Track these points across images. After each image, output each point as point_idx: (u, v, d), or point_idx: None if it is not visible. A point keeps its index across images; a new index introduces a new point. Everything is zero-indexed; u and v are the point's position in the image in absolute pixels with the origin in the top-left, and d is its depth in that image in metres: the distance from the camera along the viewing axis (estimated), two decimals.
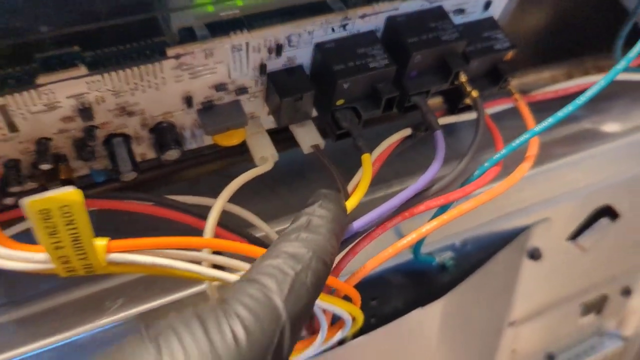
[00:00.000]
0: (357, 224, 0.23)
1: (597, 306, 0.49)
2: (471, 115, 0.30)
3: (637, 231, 0.41)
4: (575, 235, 0.38)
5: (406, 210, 0.24)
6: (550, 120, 0.25)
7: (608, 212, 0.38)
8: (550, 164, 0.32)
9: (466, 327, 0.35)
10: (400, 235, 0.26)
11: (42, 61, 0.21)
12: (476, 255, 0.33)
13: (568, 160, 0.32)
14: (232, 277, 0.20)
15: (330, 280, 0.23)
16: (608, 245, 0.41)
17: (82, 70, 0.21)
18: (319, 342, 0.26)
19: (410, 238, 0.24)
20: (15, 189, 0.23)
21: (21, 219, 0.23)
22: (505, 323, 0.40)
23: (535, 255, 0.36)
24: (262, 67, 0.25)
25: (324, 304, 0.23)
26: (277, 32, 0.24)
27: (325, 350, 0.28)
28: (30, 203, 0.16)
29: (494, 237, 0.33)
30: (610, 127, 0.33)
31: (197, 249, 0.20)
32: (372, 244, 0.24)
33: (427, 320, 0.30)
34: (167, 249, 0.19)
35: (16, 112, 0.21)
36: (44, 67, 0.21)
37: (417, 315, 0.30)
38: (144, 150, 0.26)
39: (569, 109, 0.25)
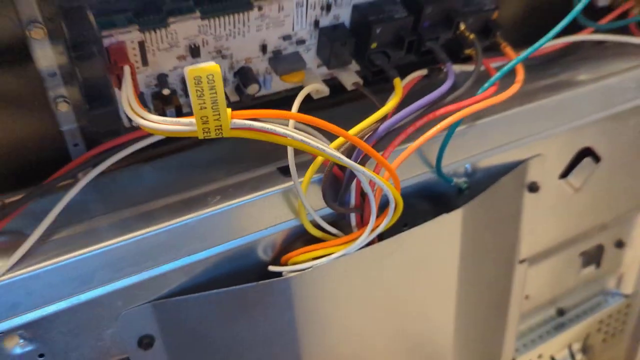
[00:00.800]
0: (394, 119, 0.31)
1: (595, 257, 0.56)
2: (469, 67, 0.39)
3: (619, 175, 0.49)
4: (565, 174, 0.45)
5: (431, 113, 0.32)
6: (529, 50, 0.34)
7: (590, 154, 0.46)
8: (535, 104, 0.40)
9: (481, 250, 0.42)
10: (422, 156, 0.34)
11: (169, 10, 0.29)
12: (485, 182, 0.40)
13: (550, 101, 0.41)
14: (329, 150, 0.28)
15: (380, 161, 0.31)
16: (596, 189, 0.48)
17: (197, 15, 0.30)
18: (368, 230, 0.34)
19: (440, 125, 0.32)
20: None
21: None
22: (516, 259, 0.47)
23: (533, 188, 0.44)
24: (316, 23, 0.34)
25: (377, 180, 0.30)
26: None
27: (366, 245, 0.35)
28: (189, 70, 0.24)
29: (499, 168, 0.41)
30: (582, 77, 0.42)
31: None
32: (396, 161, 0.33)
33: (449, 227, 0.38)
34: (277, 118, 0.27)
35: (150, 48, 0.30)
36: (170, 14, 0.29)
37: (442, 220, 0.37)
38: (228, 93, 0.35)
39: (543, 40, 0.34)
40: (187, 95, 0.33)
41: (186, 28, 0.30)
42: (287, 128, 0.27)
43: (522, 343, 0.56)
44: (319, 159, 0.31)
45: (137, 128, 0.31)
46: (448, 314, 0.44)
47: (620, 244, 0.56)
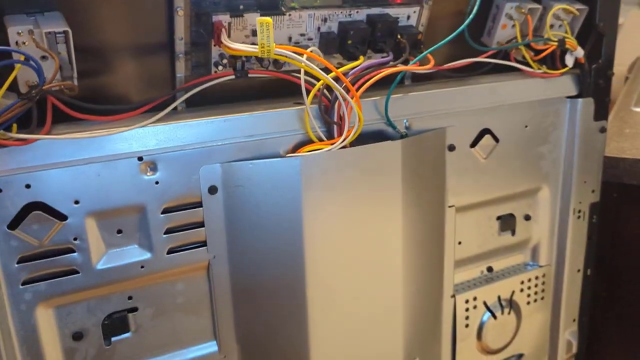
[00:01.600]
0: (357, 69, 0.57)
1: (510, 225, 0.79)
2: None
3: (515, 158, 0.74)
4: (473, 145, 0.71)
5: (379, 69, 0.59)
6: (429, 50, 0.62)
7: (490, 133, 0.71)
8: (451, 89, 0.67)
9: (418, 185, 0.66)
10: (376, 108, 0.61)
11: (245, 7, 0.57)
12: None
13: (460, 90, 0.68)
14: (326, 75, 0.54)
15: (349, 86, 0.57)
16: (500, 164, 0.73)
17: (258, 12, 0.58)
18: (343, 137, 0.59)
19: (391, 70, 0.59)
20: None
21: None
22: (446, 203, 0.71)
23: (451, 148, 0.69)
24: (318, 29, 0.62)
25: (348, 97, 0.56)
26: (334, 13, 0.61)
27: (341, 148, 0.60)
28: (258, 19, 0.51)
29: (426, 130, 0.66)
30: (482, 79, 0.70)
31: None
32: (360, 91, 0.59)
33: (393, 151, 0.62)
34: (300, 53, 0.54)
35: (233, 27, 0.57)
36: (245, 10, 0.57)
37: (389, 145, 0.62)
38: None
39: (436, 46, 0.62)
40: (247, 60, 0.60)
41: (251, 19, 0.58)
42: (303, 59, 0.54)
43: (461, 287, 0.77)
44: (314, 90, 0.58)
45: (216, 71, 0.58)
46: (396, 234, 0.66)
47: (528, 217, 0.79)
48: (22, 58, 0.47)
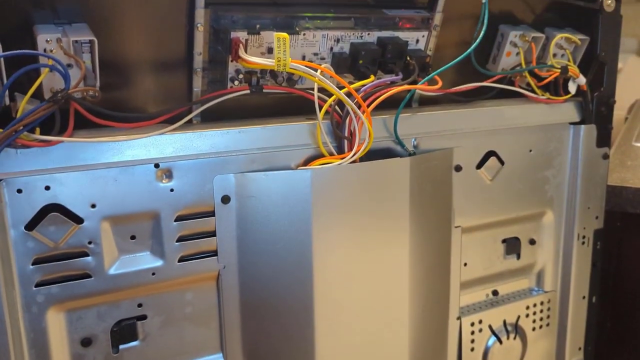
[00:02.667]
0: (368, 86, 0.60)
1: (515, 248, 0.79)
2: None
3: (520, 181, 0.75)
4: (479, 166, 0.72)
5: (389, 87, 0.61)
6: (435, 72, 0.64)
7: (495, 155, 0.73)
8: (459, 111, 0.69)
9: (425, 203, 0.67)
10: (386, 126, 0.63)
11: (261, 26, 0.60)
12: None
13: (467, 112, 0.69)
14: (338, 90, 0.56)
15: (360, 101, 0.58)
16: (505, 187, 0.74)
17: (274, 31, 0.60)
18: (353, 152, 0.60)
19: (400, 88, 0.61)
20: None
21: None
22: (452, 223, 0.72)
23: (458, 168, 0.70)
24: (331, 49, 0.64)
25: (359, 112, 0.58)
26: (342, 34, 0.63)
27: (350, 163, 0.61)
28: (276, 34, 0.53)
29: (433, 150, 0.68)
30: (486, 103, 0.72)
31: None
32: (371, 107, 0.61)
33: (402, 168, 0.63)
34: (315, 68, 0.56)
35: (249, 44, 0.59)
36: (261, 29, 0.60)
37: (397, 161, 0.63)
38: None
39: (442, 68, 0.64)
40: (261, 76, 0.62)
41: (267, 36, 0.60)
42: (317, 74, 0.56)
43: (466, 309, 0.77)
44: (327, 105, 0.60)
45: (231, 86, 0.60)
46: (404, 249, 0.67)
47: (532, 242, 0.80)
48: (50, 62, 0.49)
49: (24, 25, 0.51)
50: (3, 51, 0.49)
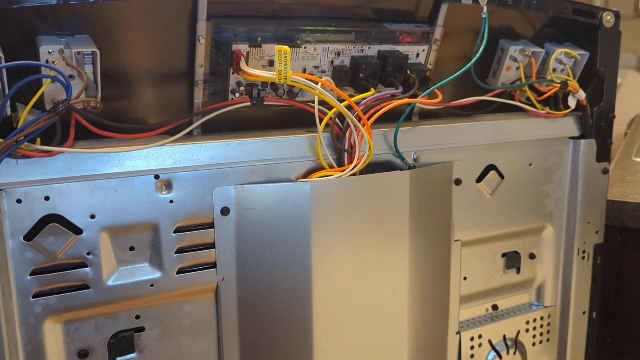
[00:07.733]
0: (368, 99, 0.60)
1: (515, 263, 0.79)
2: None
3: (520, 195, 0.75)
4: (479, 180, 0.72)
5: (389, 101, 0.61)
6: (435, 86, 0.64)
7: (495, 169, 0.73)
8: (458, 125, 0.69)
9: (425, 217, 0.67)
10: (386, 140, 0.63)
11: (262, 39, 0.60)
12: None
13: (467, 126, 0.70)
14: (339, 104, 0.57)
15: (360, 114, 0.59)
16: (505, 201, 0.74)
17: (275, 44, 0.60)
18: (353, 165, 0.60)
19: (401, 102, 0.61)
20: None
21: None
22: (452, 236, 0.71)
23: (458, 182, 0.70)
24: (332, 62, 0.64)
25: (360, 126, 0.58)
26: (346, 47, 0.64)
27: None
28: (277, 47, 0.54)
29: (433, 163, 0.68)
30: (487, 117, 0.72)
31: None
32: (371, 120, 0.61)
33: (401, 181, 0.63)
34: (316, 81, 0.56)
35: (251, 56, 0.60)
36: (262, 42, 0.60)
37: (397, 174, 0.63)
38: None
39: (442, 83, 0.64)
40: (263, 88, 0.62)
41: (269, 49, 0.60)
42: (318, 87, 0.56)
43: (466, 324, 0.77)
44: (327, 118, 0.60)
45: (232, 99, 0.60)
46: (403, 262, 0.67)
47: (533, 256, 0.80)
48: (52, 74, 0.49)
49: (27, 36, 0.52)
50: (6, 62, 0.49)
